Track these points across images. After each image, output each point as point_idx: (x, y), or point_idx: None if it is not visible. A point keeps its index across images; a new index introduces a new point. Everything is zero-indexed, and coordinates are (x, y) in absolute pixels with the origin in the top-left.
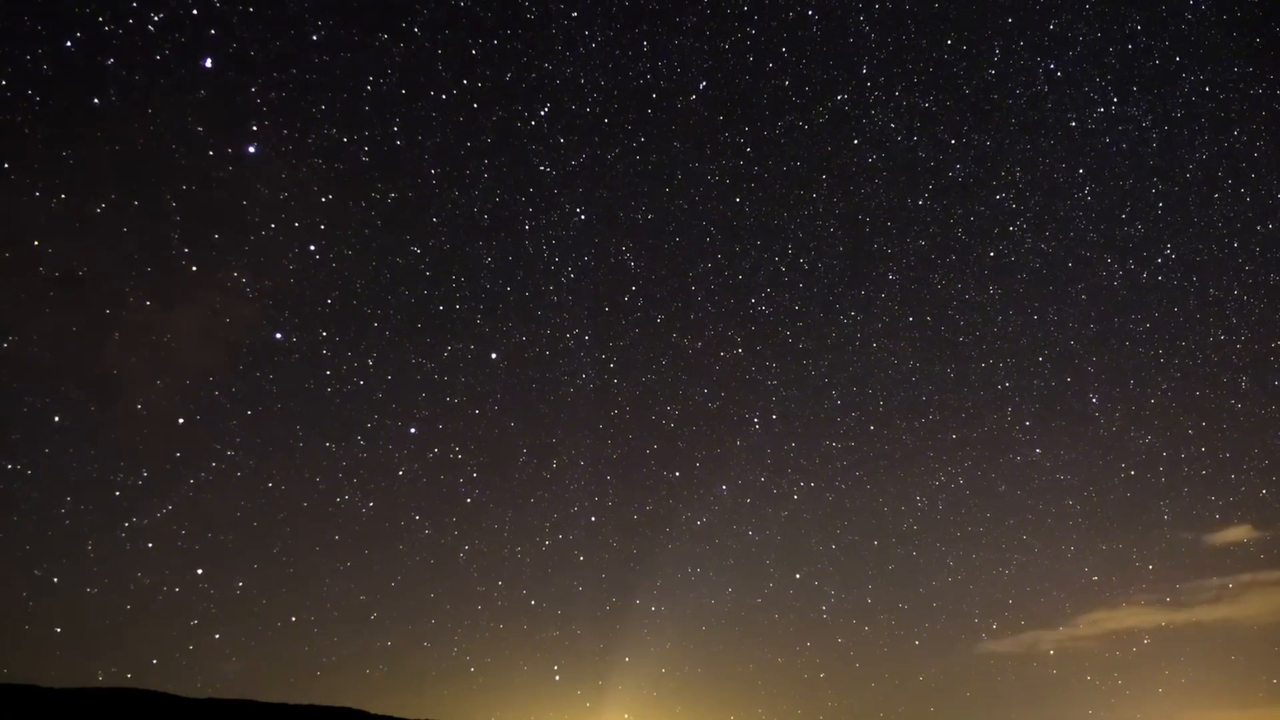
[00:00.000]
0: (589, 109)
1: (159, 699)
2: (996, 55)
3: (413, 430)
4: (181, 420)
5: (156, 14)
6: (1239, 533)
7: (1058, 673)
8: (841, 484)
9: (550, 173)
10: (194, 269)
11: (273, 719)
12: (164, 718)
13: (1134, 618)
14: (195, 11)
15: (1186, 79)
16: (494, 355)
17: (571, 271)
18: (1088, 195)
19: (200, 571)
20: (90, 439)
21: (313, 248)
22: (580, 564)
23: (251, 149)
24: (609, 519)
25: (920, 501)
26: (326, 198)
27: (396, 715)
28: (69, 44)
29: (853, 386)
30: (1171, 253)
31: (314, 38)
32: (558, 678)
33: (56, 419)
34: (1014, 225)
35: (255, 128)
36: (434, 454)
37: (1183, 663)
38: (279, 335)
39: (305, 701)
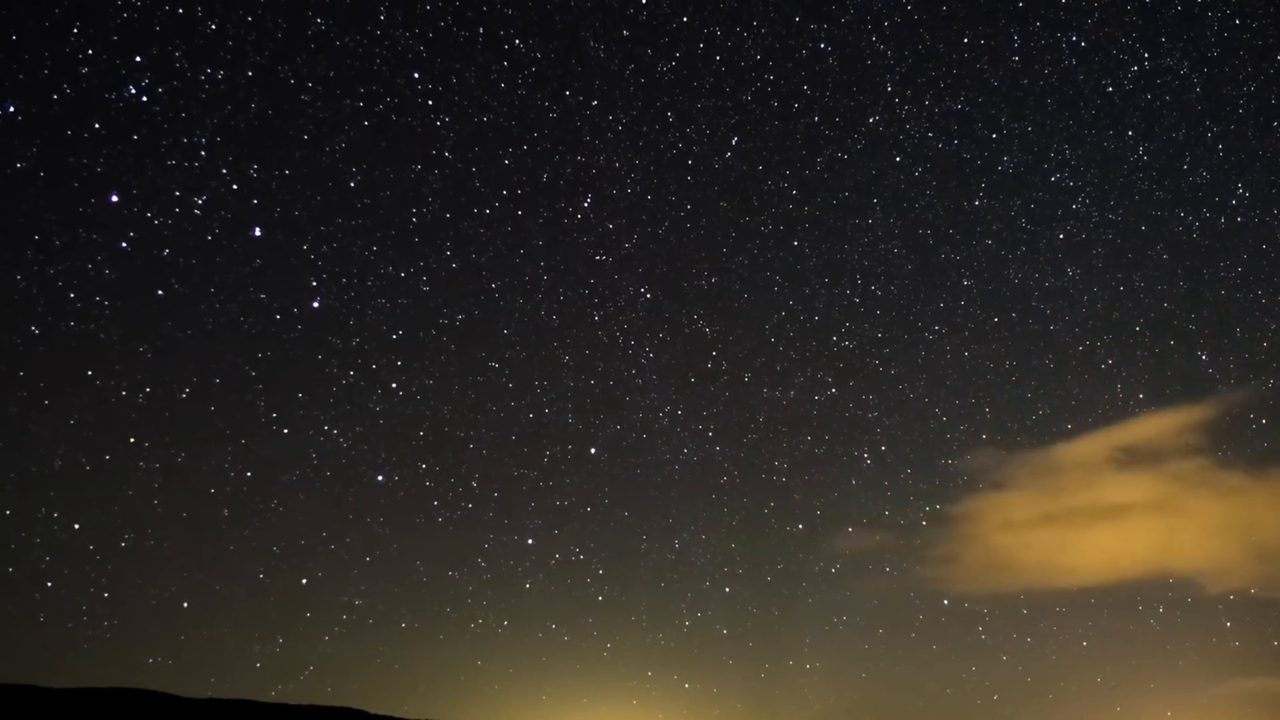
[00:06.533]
0: (630, 190)
1: (159, 699)
2: (1016, 41)
3: (530, 541)
4: (305, 580)
5: (199, 198)
6: None
7: (1240, 645)
8: (968, 500)
9: (607, 260)
10: (285, 431)
11: (273, 719)
12: (164, 718)
13: None
14: (235, 186)
15: (1214, 17)
16: (593, 450)
17: (650, 351)
18: (1143, 155)
19: None
20: (222, 617)
21: (394, 385)
22: (725, 637)
23: (315, 304)
24: (743, 586)
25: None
26: (397, 334)
27: (396, 715)
28: (124, 244)
29: (955, 400)
30: (1244, 191)
31: (351, 184)
32: None
33: (185, 604)
34: (1076, 203)
35: (314, 282)
36: (556, 560)
37: None
38: (380, 477)
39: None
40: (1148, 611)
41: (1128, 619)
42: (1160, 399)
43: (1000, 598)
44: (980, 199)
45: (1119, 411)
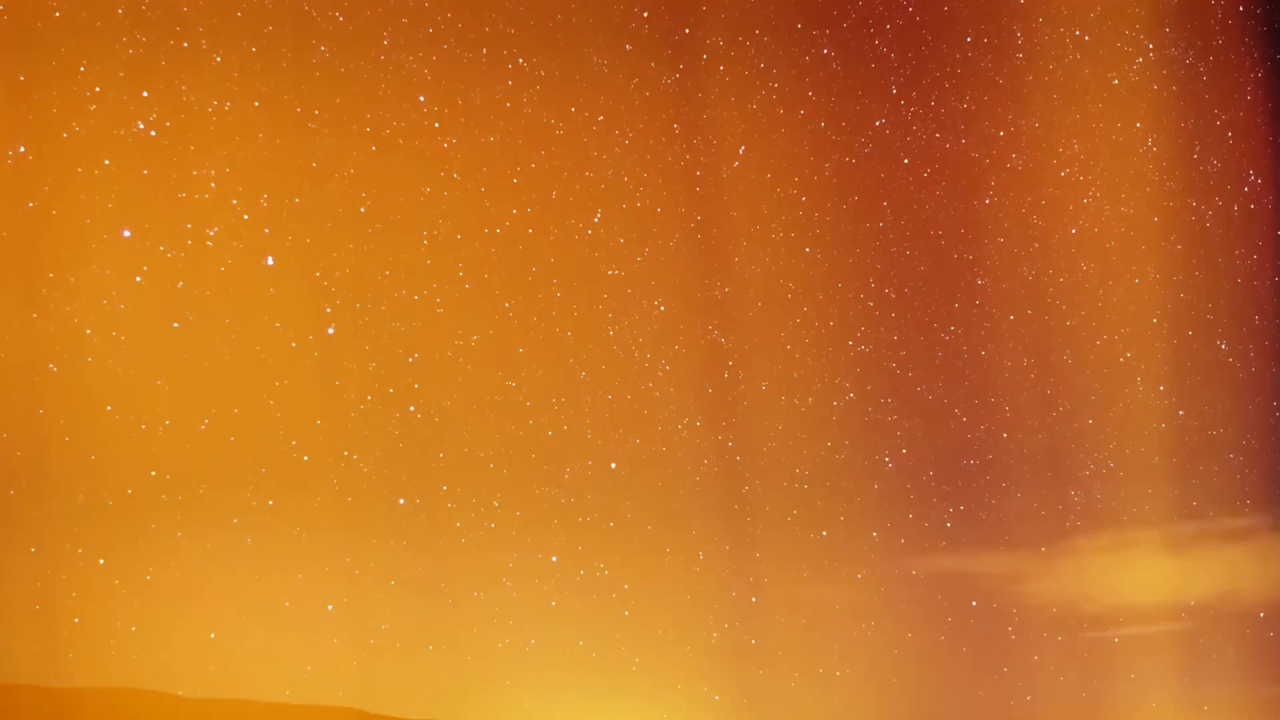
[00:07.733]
0: (639, 203)
1: (159, 699)
2: (1020, 39)
3: (555, 559)
4: (331, 606)
5: (212, 229)
6: None
7: (1275, 635)
8: (991, 499)
9: (619, 274)
10: (306, 458)
11: (272, 719)
12: (164, 718)
13: None
14: (247, 217)
15: (1218, 5)
16: (613, 465)
17: (666, 364)
18: (1152, 147)
19: None
20: (249, 647)
21: (413, 408)
22: (754, 648)
23: (331, 330)
24: (769, 595)
25: (1075, 495)
26: (413, 357)
27: (396, 715)
28: (138, 279)
29: (974, 400)
30: (1255, 178)
31: (361, 210)
32: None
33: (212, 635)
34: (1087, 197)
35: (329, 309)
36: (581, 576)
37: None
38: (403, 501)
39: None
40: (1175, 603)
41: (1161, 614)
42: (1183, 391)
43: (1029, 599)
44: (990, 197)
45: (1141, 405)
